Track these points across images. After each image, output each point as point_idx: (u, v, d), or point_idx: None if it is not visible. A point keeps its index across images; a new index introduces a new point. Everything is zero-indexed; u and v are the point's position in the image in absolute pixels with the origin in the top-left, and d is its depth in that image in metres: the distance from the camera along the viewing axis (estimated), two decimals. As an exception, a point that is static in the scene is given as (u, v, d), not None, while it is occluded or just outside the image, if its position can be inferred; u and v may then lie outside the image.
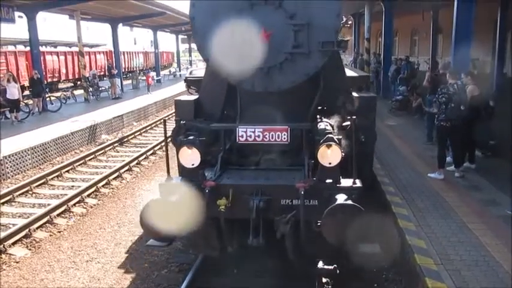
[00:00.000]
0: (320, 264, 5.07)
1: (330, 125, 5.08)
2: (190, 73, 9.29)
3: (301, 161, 5.08)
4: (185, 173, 4.75)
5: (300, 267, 5.02)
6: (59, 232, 8.00)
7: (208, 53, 5.32)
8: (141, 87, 30.13)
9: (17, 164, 11.56)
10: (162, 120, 5.44)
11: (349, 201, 4.12)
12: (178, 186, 4.67)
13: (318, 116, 5.46)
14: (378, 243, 4.51)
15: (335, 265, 5.00)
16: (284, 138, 4.99)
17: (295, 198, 4.48)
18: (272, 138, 5.01)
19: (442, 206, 6.88)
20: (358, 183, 4.51)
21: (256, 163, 5.35)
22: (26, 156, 11.91)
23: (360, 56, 24.66)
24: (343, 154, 4.40)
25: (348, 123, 4.93)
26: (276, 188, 4.63)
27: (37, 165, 12.26)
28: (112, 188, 10.51)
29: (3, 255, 6.97)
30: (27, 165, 11.91)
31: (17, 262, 6.84)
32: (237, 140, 5.10)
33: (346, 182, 4.51)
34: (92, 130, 15.61)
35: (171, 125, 5.58)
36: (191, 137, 4.74)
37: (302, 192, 4.30)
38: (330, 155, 4.38)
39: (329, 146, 4.35)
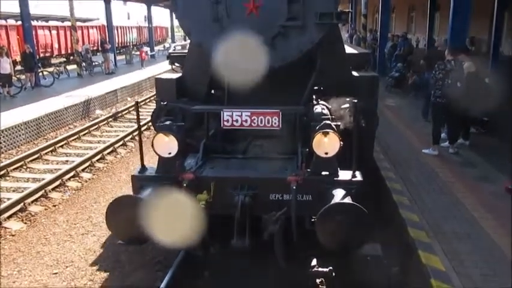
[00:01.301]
0: (314, 264, 4.58)
1: (327, 108, 4.59)
2: (174, 49, 8.68)
3: (294, 149, 4.55)
4: (161, 163, 4.22)
5: (291, 271, 4.44)
6: (54, 206, 8.02)
7: (189, 26, 4.92)
8: (134, 62, 29.81)
9: (11, 139, 11.48)
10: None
11: (348, 199, 3.67)
12: (152, 179, 4.18)
13: (314, 97, 4.95)
14: (380, 243, 4.27)
15: (330, 267, 4.46)
16: (275, 123, 4.37)
17: (285, 193, 3.97)
18: (261, 123, 4.38)
19: (436, 182, 6.94)
20: (359, 176, 4.01)
21: (243, 151, 4.81)
22: (19, 131, 11.82)
23: (357, 33, 24.44)
24: (341, 143, 3.89)
25: (347, 106, 4.47)
26: (264, 181, 4.10)
27: (31, 140, 12.20)
28: (107, 163, 10.50)
29: (-2, 229, 6.99)
30: (21, 140, 11.84)
31: (13, 235, 6.87)
32: (222, 125, 4.48)
33: (344, 175, 4.02)
34: (85, 105, 15.49)
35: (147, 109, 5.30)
36: (167, 122, 4.28)
37: (294, 187, 3.84)
38: (327, 144, 3.91)
39: (326, 134, 3.88)
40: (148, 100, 18.05)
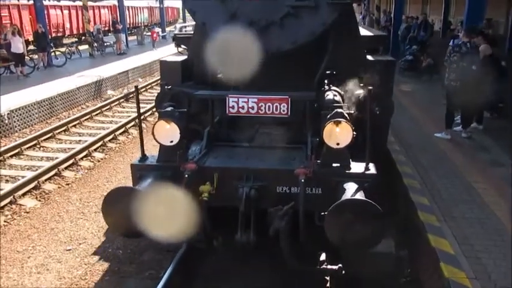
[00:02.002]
0: (323, 258, 4.40)
1: (339, 94, 4.35)
2: (180, 30, 8.18)
3: (303, 138, 4.27)
4: (162, 151, 4.03)
5: (299, 269, 4.21)
6: (67, 184, 8.15)
7: (193, 6, 4.72)
8: (146, 43, 29.76)
9: (24, 118, 11.62)
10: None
11: (361, 194, 3.42)
12: (152, 168, 3.99)
13: (325, 82, 4.70)
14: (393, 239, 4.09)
15: (340, 264, 4.24)
16: (283, 110, 4.11)
17: (293, 186, 3.75)
18: (269, 110, 4.12)
19: (447, 166, 6.89)
20: (372, 169, 3.76)
21: (249, 139, 4.53)
22: (32, 110, 11.95)
23: (369, 14, 24.04)
24: (354, 134, 3.62)
25: (361, 92, 4.23)
26: (271, 172, 3.85)
27: (44, 120, 12.33)
28: (119, 143, 10.59)
29: (13, 206, 7.13)
30: (34, 119, 11.97)
31: (27, 212, 7.01)
32: (227, 112, 4.23)
33: (357, 167, 3.77)
34: (97, 85, 15.57)
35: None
36: (169, 108, 4.06)
37: (302, 180, 3.58)
38: (339, 134, 3.63)
39: (337, 123, 3.60)
40: (155, 83, 18.04)
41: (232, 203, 3.75)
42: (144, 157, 4.17)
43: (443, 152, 7.53)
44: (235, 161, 4.08)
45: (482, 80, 8.10)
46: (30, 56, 18.69)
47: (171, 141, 3.89)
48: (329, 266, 4.24)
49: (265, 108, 4.13)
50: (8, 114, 10.98)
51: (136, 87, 4.19)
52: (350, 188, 3.51)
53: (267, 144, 4.42)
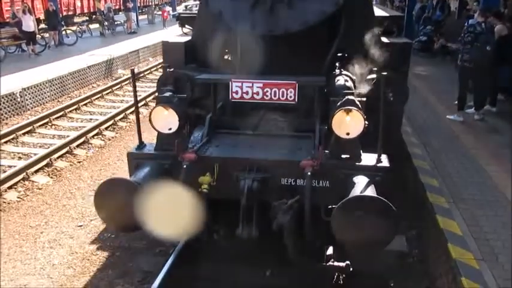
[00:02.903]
0: (330, 253, 4.26)
1: (351, 79, 4.08)
2: (186, 8, 7.10)
3: (311, 126, 4.00)
4: (160, 139, 3.80)
5: (304, 265, 4.06)
6: (79, 162, 8.25)
7: None
8: (156, 22, 29.61)
9: (36, 96, 11.71)
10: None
11: (371, 189, 3.17)
12: (150, 157, 3.76)
13: (336, 65, 4.45)
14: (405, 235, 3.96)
15: (348, 262, 4.08)
16: (290, 96, 3.83)
17: (299, 178, 3.50)
18: (275, 96, 3.85)
19: (459, 148, 6.83)
20: (385, 161, 3.48)
21: (254, 126, 4.27)
22: (44, 88, 12.03)
23: (384, -7, 23.56)
24: (366, 123, 3.35)
25: (374, 77, 3.96)
26: (275, 163, 3.60)
27: (55, 98, 12.43)
28: (129, 122, 10.66)
29: (26, 182, 7.26)
30: (45, 97, 12.07)
31: (40, 189, 7.13)
32: (230, 97, 3.97)
33: (368, 159, 3.50)
34: (108, 64, 15.59)
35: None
36: (167, 93, 3.83)
37: (309, 173, 3.32)
38: (349, 124, 3.36)
39: (348, 112, 3.33)
40: (160, 66, 17.99)
41: (233, 195, 3.53)
42: (141, 145, 3.92)
43: (455, 134, 7.46)
44: (238, 150, 3.82)
45: (496, 61, 7.97)
46: (42, 34, 18.73)
47: (170, 129, 3.66)
48: (336, 263, 4.06)
49: (271, 94, 3.86)
50: (20, 92, 11.08)
51: (132, 70, 3.88)
52: (360, 182, 3.26)
53: (272, 132, 4.15)
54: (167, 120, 3.63)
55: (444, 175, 5.85)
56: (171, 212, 3.16)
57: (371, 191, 3.13)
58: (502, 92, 9.11)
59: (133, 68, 4.03)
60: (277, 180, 3.57)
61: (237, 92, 3.91)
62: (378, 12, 5.98)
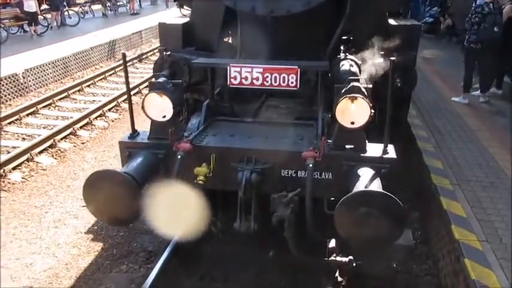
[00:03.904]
0: (332, 246, 4.13)
1: (356, 64, 3.88)
2: None
3: (313, 114, 3.84)
4: (154, 128, 3.58)
5: (306, 260, 3.96)
6: (83, 143, 8.26)
7: None
8: (159, 3, 29.32)
9: (39, 78, 11.68)
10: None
11: (377, 182, 2.99)
12: (143, 146, 3.54)
13: (341, 48, 4.27)
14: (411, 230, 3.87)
15: (351, 257, 3.95)
16: (292, 82, 3.60)
17: (300, 169, 3.32)
18: (275, 81, 3.62)
19: (463, 130, 6.79)
20: (391, 153, 3.27)
21: (254, 113, 4.08)
22: (47, 70, 11.98)
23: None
24: (372, 112, 3.14)
25: (381, 61, 3.74)
26: (275, 154, 3.39)
27: (58, 79, 12.39)
28: (132, 103, 10.60)
29: (30, 163, 7.28)
30: (48, 78, 12.03)
31: (44, 169, 7.16)
32: (228, 83, 3.74)
33: (374, 150, 3.29)
34: (111, 46, 15.48)
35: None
36: (161, 79, 3.59)
37: (311, 165, 3.12)
38: (354, 112, 3.16)
39: (353, 99, 3.12)
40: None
41: (231, 187, 3.39)
42: (134, 133, 3.69)
43: (460, 116, 7.40)
44: (236, 139, 3.63)
45: (504, 42, 7.85)
46: (44, 15, 18.57)
47: (164, 116, 3.46)
48: (338, 258, 3.94)
49: (271, 79, 3.63)
50: (23, 73, 11.04)
51: (123, 54, 3.61)
52: (365, 174, 3.06)
53: (272, 120, 3.97)
54: (161, 107, 3.43)
55: (449, 157, 5.82)
56: (173, 210, 3.06)
57: (377, 185, 2.95)
58: (509, 74, 9.00)
59: (124, 52, 3.81)
60: (277, 172, 3.39)
61: (235, 78, 3.70)
62: None
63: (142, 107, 3.44)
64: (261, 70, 3.62)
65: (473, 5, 8.07)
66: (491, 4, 7.69)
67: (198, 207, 3.09)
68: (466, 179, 5.24)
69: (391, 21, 4.68)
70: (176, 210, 3.06)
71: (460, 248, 4.02)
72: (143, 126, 3.74)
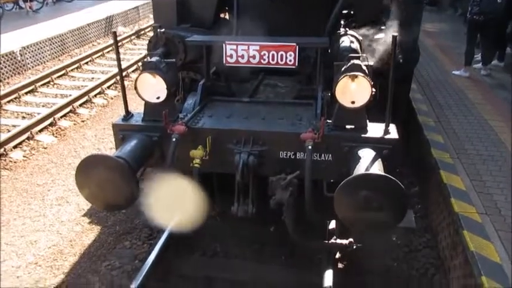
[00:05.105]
0: (332, 229, 4.08)
1: (357, 40, 3.76)
2: None
3: (313, 92, 3.75)
4: (148, 109, 3.46)
5: (305, 245, 3.91)
6: (83, 121, 8.25)
7: None
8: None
9: (37, 55, 11.56)
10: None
11: (378, 164, 2.89)
12: (136, 129, 3.42)
13: (341, 23, 4.16)
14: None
15: (351, 239, 3.88)
16: (290, 60, 3.48)
17: (299, 151, 3.22)
18: (273, 59, 3.52)
19: (464, 103, 6.76)
20: (393, 133, 3.16)
21: (251, 93, 4.00)
22: (44, 47, 11.85)
23: None
24: (373, 90, 3.04)
25: (383, 37, 3.64)
26: (273, 135, 3.29)
27: (56, 57, 12.27)
28: (131, 81, 10.52)
29: (31, 142, 7.28)
30: (46, 56, 11.91)
31: (45, 148, 7.18)
32: (224, 61, 3.64)
33: (375, 130, 3.19)
34: (108, 22, 15.26)
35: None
36: (154, 58, 3.41)
37: (310, 147, 3.03)
38: (354, 91, 3.05)
39: (353, 78, 3.02)
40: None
41: (228, 170, 3.30)
42: (128, 115, 3.56)
43: (461, 89, 7.36)
44: (233, 120, 3.52)
45: (507, 13, 7.74)
46: (39, -9, 18.26)
47: (158, 98, 3.35)
48: (338, 240, 3.86)
49: (268, 57, 3.52)
50: (20, 51, 10.92)
51: (114, 33, 3.45)
52: (366, 156, 2.96)
53: (270, 100, 3.89)
54: (155, 88, 3.32)
55: (449, 131, 5.82)
56: (169, 200, 3.04)
57: (378, 167, 2.85)
58: (510, 46, 8.89)
59: (114, 30, 3.69)
60: (275, 154, 3.29)
61: (231, 56, 3.58)
62: None
63: (136, 88, 3.35)
64: (258, 48, 3.51)
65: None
66: (494, -26, 7.54)
67: (194, 198, 3.04)
68: (466, 153, 5.25)
69: None
70: (172, 201, 3.02)
71: (459, 221, 4.06)
72: (140, 107, 3.66)
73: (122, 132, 3.46)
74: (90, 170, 2.99)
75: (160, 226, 4.23)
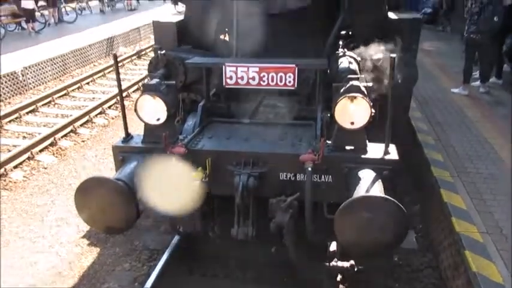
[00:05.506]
0: (333, 251, 4.03)
1: (356, 61, 3.79)
2: None
3: (312, 113, 3.74)
4: (148, 131, 3.47)
5: (306, 267, 3.89)
6: (83, 141, 8.27)
7: None
8: (157, -2, 29.15)
9: (38, 75, 11.66)
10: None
11: (379, 185, 2.88)
12: (136, 151, 3.42)
13: (340, 43, 4.18)
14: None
15: (352, 261, 3.85)
16: (289, 82, 3.49)
17: (299, 172, 3.20)
18: (272, 81, 3.51)
19: (463, 121, 6.78)
20: (393, 153, 3.16)
21: (251, 114, 4.01)
22: (46, 67, 11.96)
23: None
24: (372, 111, 3.05)
25: (380, 56, 3.67)
26: (273, 157, 3.28)
27: (57, 77, 12.38)
28: (132, 101, 10.59)
29: (31, 162, 7.29)
30: (47, 76, 12.02)
31: (45, 168, 7.18)
32: (224, 83, 3.65)
33: (374, 151, 3.18)
34: (109, 42, 15.44)
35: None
36: (154, 80, 3.47)
37: (309, 169, 3.02)
38: (354, 112, 3.05)
39: (352, 99, 3.02)
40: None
41: (228, 192, 3.28)
42: (128, 137, 3.59)
43: (460, 107, 7.39)
44: (233, 142, 3.52)
45: (503, 31, 7.83)
46: (41, 12, 18.48)
47: (158, 119, 3.37)
48: (339, 263, 3.81)
49: (268, 79, 3.52)
50: (22, 71, 11.02)
51: (114, 55, 3.49)
52: (366, 177, 2.96)
53: (270, 121, 3.89)
54: (155, 110, 3.34)
55: (448, 149, 5.83)
56: (169, 187, 3.04)
57: (378, 188, 2.85)
58: (508, 63, 8.94)
59: (115, 53, 3.73)
60: (275, 175, 3.28)
61: (231, 78, 3.61)
62: None
63: (135, 110, 3.37)
64: (257, 69, 3.52)
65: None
66: (491, -7, 7.65)
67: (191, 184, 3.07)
68: (466, 171, 5.24)
69: (391, 15, 4.58)
70: (170, 187, 3.03)
71: (461, 240, 4.03)
72: (141, 127, 3.69)
73: (121, 154, 3.47)
74: (89, 192, 3.01)
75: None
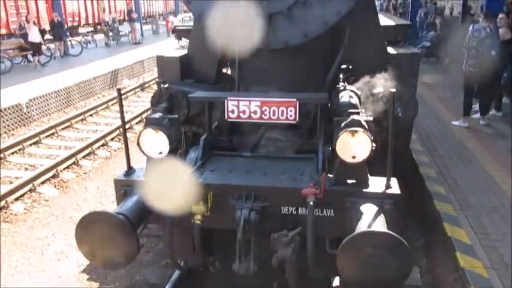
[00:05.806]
0: (336, 286, 3.96)
1: (356, 95, 3.82)
2: (182, 21, 6.19)
3: (314, 147, 3.78)
4: (150, 165, 3.50)
5: None
6: (85, 173, 8.28)
7: None
8: (161, 32, 29.82)
9: (42, 107, 11.81)
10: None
11: (381, 219, 2.88)
12: (139, 184, 3.37)
13: (340, 77, 4.26)
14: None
15: None
16: (291, 116, 3.52)
17: (301, 206, 3.20)
18: (274, 115, 3.55)
19: (465, 154, 6.80)
20: (395, 187, 3.18)
21: (252, 147, 4.04)
22: (50, 99, 12.13)
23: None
24: (373, 145, 3.07)
25: (381, 90, 3.71)
26: (275, 191, 3.29)
27: (61, 109, 12.53)
28: (135, 133, 10.65)
29: (33, 194, 7.29)
30: (51, 108, 12.17)
31: (47, 200, 7.17)
32: (226, 117, 3.68)
33: (376, 185, 3.20)
34: (113, 75, 15.71)
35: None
36: (157, 114, 3.52)
37: (311, 203, 3.04)
38: (355, 146, 3.08)
39: (353, 133, 3.05)
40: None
41: (229, 226, 3.26)
42: (130, 170, 3.61)
43: (461, 140, 7.43)
44: (235, 175, 3.54)
45: (502, 65, 7.95)
46: (47, 45, 18.92)
47: (160, 153, 3.39)
48: None
49: (269, 112, 3.56)
50: (27, 103, 11.17)
51: (118, 89, 3.58)
52: (368, 211, 2.96)
53: (272, 154, 3.93)
54: (157, 143, 3.37)
55: (450, 182, 5.82)
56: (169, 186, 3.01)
57: (380, 223, 2.83)
58: (507, 95, 9.04)
59: (119, 87, 3.78)
60: (277, 209, 3.27)
61: (233, 111, 3.62)
62: (384, 20, 5.54)
63: (138, 143, 3.40)
64: (259, 103, 3.55)
65: (470, 29, 8.21)
66: (487, 28, 7.81)
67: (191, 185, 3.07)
68: (468, 204, 5.22)
69: (391, 50, 4.65)
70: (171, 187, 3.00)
71: (466, 276, 3.97)
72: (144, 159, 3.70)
73: (123, 188, 3.48)
74: (90, 227, 3.00)
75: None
